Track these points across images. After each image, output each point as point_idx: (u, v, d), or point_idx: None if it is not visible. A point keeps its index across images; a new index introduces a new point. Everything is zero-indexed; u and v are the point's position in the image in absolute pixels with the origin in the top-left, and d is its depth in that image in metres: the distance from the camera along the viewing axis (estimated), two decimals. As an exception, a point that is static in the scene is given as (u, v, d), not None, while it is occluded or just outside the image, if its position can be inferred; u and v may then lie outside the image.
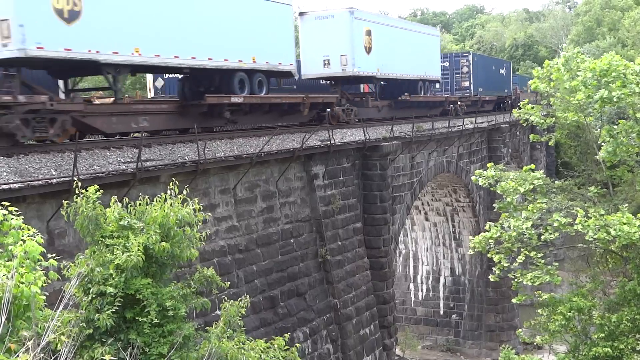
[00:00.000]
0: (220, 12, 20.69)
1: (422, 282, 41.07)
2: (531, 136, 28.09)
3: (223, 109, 20.90)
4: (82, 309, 9.15)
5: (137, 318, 9.10)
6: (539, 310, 22.61)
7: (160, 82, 29.51)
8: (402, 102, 33.75)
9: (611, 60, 20.98)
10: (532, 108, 25.04)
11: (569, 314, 20.21)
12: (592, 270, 25.32)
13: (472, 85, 43.73)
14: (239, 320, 10.44)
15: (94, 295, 9.04)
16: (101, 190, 9.78)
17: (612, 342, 19.13)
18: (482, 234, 22.47)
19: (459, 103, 40.88)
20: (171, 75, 27.11)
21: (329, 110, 27.16)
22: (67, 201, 9.83)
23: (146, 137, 17.80)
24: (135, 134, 19.14)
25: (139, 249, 9.03)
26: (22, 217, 8.07)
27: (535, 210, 21.43)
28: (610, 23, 76.16)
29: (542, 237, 21.03)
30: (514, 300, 23.29)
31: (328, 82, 30.27)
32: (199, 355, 9.48)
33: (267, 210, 20.28)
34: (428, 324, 41.12)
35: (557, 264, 22.43)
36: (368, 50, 29.10)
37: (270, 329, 18.68)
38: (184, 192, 10.26)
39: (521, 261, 21.49)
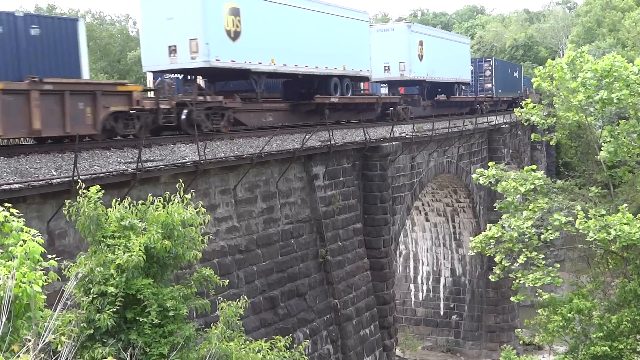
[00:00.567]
0: (321, 30, 26.37)
1: (422, 283, 41.06)
2: (532, 135, 28.11)
3: (324, 107, 26.59)
4: (82, 309, 9.14)
5: (137, 318, 9.09)
6: (539, 311, 22.59)
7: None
8: (442, 102, 40.93)
9: (613, 61, 20.96)
10: (534, 107, 25.03)
11: (568, 315, 20.19)
12: (593, 271, 25.31)
13: (493, 87, 49.24)
14: (238, 320, 10.43)
15: (94, 295, 9.03)
16: (102, 191, 9.77)
17: (612, 342, 19.11)
18: (483, 233, 22.47)
19: (484, 103, 47.21)
20: (172, 76, 27.71)
21: (391, 108, 32.92)
22: (69, 201, 9.82)
23: (147, 137, 17.82)
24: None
25: (140, 249, 9.03)
26: (23, 218, 8.05)
27: (536, 210, 21.41)
28: (610, 24, 76.11)
29: (542, 236, 21.02)
30: (512, 299, 23.25)
31: (384, 84, 36.70)
32: (199, 355, 9.47)
33: (268, 210, 20.26)
34: (428, 325, 41.10)
35: (558, 265, 22.42)
36: (420, 58, 35.83)
37: (271, 330, 18.66)
38: (189, 195, 10.26)
39: (522, 262, 21.47)
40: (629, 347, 19.19)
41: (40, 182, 12.78)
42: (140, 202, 10.06)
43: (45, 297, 7.29)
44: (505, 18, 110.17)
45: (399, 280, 39.94)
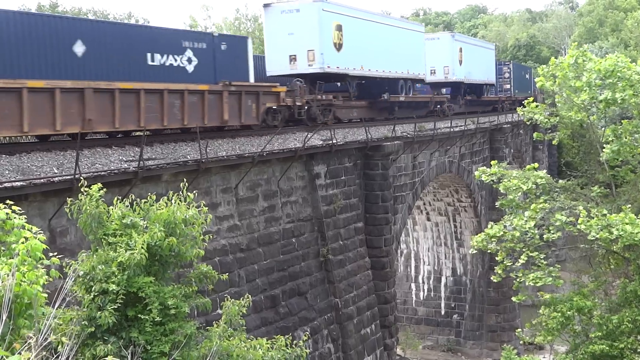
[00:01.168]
0: (393, 40, 32.05)
1: (423, 282, 41.03)
2: (535, 134, 28.06)
3: (395, 104, 32.59)
4: (84, 307, 9.13)
5: (139, 316, 9.08)
6: (540, 310, 22.56)
7: None
8: (473, 101, 46.97)
9: (617, 61, 20.90)
10: (537, 107, 24.98)
11: (568, 312, 20.15)
12: (594, 271, 25.28)
13: (512, 87, 53.85)
14: (240, 319, 10.42)
15: (96, 293, 9.02)
16: (104, 189, 9.77)
17: (612, 342, 19.07)
18: (484, 231, 22.43)
19: (505, 102, 51.97)
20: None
21: (438, 106, 37.89)
22: (70, 199, 9.81)
23: (148, 136, 17.81)
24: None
25: (142, 247, 9.02)
26: (25, 216, 8.04)
27: (538, 210, 21.37)
28: (612, 24, 75.96)
29: (545, 236, 20.98)
30: (513, 299, 23.21)
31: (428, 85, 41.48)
32: (200, 354, 9.47)
33: (269, 209, 20.25)
34: (429, 324, 41.07)
35: (559, 265, 22.37)
36: (460, 62, 41.73)
37: (271, 328, 18.66)
38: (192, 195, 10.25)
39: (523, 262, 21.43)
40: (629, 347, 19.16)
41: (42, 180, 12.78)
42: (143, 200, 10.06)
43: (46, 295, 7.28)
44: (507, 18, 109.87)
45: (400, 279, 39.92)
